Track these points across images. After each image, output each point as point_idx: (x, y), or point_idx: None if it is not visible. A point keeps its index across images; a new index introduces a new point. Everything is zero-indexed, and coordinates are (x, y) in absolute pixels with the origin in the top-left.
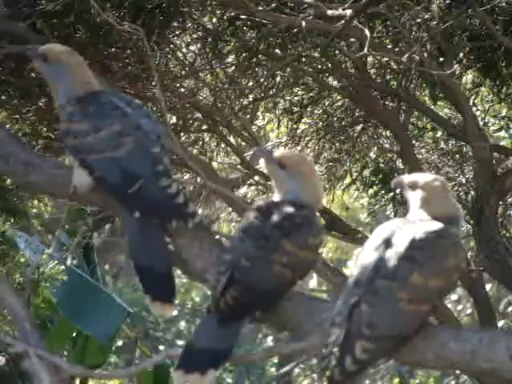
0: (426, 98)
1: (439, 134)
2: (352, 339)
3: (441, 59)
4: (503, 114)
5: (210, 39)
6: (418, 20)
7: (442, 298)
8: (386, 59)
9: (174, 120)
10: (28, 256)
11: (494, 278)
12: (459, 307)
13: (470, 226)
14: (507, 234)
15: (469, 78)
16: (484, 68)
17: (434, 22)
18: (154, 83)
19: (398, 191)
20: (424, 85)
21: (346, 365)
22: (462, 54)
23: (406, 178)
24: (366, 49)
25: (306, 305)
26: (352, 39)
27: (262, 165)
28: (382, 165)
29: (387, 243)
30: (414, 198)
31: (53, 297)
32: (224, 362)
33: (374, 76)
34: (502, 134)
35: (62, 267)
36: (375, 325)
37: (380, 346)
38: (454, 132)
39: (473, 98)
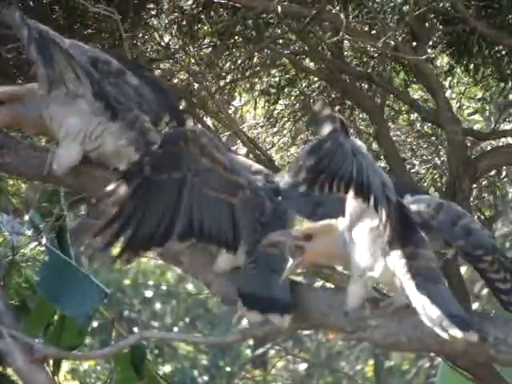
0: (400, 82)
1: (415, 115)
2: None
3: (414, 44)
4: (479, 96)
5: (185, 21)
6: (392, 4)
7: None
8: (360, 43)
9: None
10: (4, 235)
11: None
12: None
13: None
14: (482, 217)
15: (444, 60)
16: (457, 52)
17: (407, 7)
18: None
19: None
20: (398, 69)
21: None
22: (434, 39)
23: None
24: (341, 33)
25: None
26: (327, 23)
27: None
28: None
29: None
30: None
31: (35, 276)
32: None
33: (349, 59)
34: (477, 117)
35: (42, 248)
36: (482, 245)
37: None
38: (427, 116)
39: (449, 79)
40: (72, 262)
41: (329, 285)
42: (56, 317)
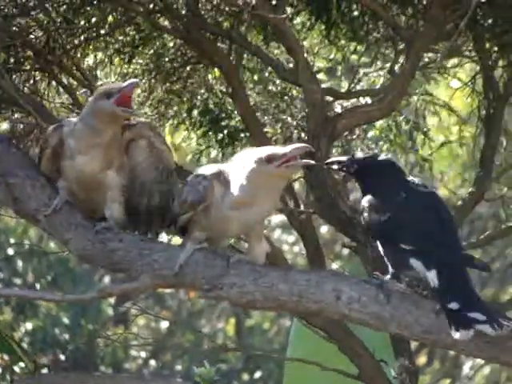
0: (259, 41)
1: (266, 74)
2: None
3: (273, 1)
4: (331, 56)
5: None
6: None
7: None
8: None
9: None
10: None
11: (325, 221)
12: (296, 249)
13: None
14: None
15: (299, 20)
16: (316, 11)
17: None
18: None
19: None
20: (256, 27)
21: None
22: None
23: None
24: None
25: (137, 245)
26: None
27: None
28: (211, 106)
29: None
30: None
31: None
32: None
33: (206, 17)
34: (321, 76)
35: None
36: None
37: None
38: (285, 75)
39: (302, 39)
40: None
41: None
42: None
